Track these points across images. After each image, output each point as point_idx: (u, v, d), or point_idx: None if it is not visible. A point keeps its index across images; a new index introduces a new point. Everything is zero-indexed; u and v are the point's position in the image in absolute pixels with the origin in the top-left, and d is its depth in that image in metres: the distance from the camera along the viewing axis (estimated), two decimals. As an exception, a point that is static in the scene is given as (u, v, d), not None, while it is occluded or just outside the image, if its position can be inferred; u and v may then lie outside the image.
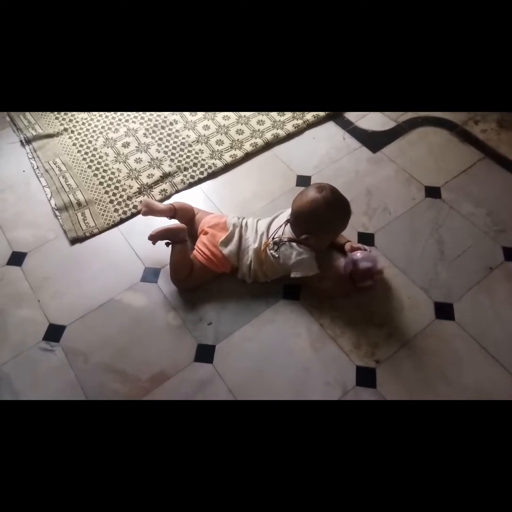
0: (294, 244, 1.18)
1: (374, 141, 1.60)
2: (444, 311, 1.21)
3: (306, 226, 1.16)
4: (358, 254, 1.20)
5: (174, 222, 1.31)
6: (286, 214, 1.24)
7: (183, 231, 1.23)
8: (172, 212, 1.31)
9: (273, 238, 1.20)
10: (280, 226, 1.21)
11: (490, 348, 1.14)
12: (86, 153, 1.62)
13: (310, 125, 1.66)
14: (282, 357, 1.16)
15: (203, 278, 1.26)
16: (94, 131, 1.68)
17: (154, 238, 1.22)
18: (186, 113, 1.72)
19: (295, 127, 1.65)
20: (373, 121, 1.67)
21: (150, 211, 1.30)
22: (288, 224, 1.20)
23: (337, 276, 1.26)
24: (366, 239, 1.35)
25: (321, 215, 1.13)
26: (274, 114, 1.70)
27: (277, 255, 1.18)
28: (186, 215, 1.33)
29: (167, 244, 1.23)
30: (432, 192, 1.45)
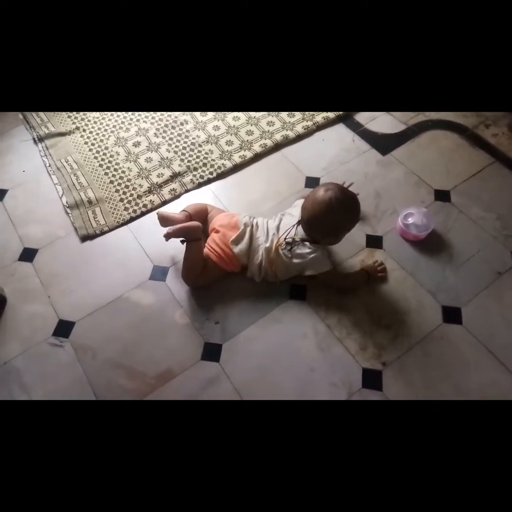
0: (307, 243, 1.19)
1: (383, 143, 1.60)
2: (451, 315, 1.20)
3: (322, 229, 1.17)
4: None
5: None
6: (293, 211, 1.26)
7: (199, 229, 1.24)
8: (188, 219, 1.30)
9: (285, 239, 1.21)
10: (292, 226, 1.22)
11: (497, 352, 1.14)
12: (98, 152, 1.64)
13: (319, 127, 1.67)
14: (288, 357, 1.16)
15: (214, 276, 1.27)
16: (105, 130, 1.70)
17: (170, 236, 1.22)
18: (197, 114, 1.74)
19: (304, 129, 1.65)
20: (383, 123, 1.67)
21: (168, 223, 1.27)
22: (300, 225, 1.21)
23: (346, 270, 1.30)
24: (375, 241, 1.35)
25: (337, 218, 1.15)
26: (284, 115, 1.71)
27: (290, 255, 1.20)
28: (200, 216, 1.34)
29: (182, 242, 1.24)
30: (442, 196, 1.45)
